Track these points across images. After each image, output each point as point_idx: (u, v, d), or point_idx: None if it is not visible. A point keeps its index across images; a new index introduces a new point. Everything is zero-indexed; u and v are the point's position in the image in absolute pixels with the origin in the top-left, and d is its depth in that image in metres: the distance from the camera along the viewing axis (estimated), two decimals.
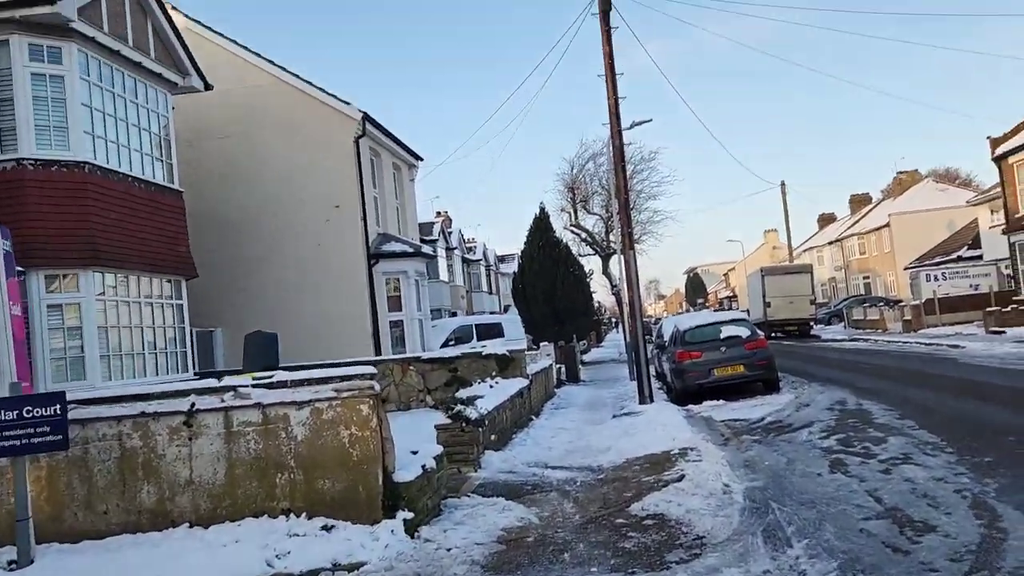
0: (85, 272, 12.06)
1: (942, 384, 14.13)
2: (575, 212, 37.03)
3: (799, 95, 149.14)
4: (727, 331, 16.24)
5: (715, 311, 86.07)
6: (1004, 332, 25.39)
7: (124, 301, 13.04)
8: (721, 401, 15.29)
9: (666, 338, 20.12)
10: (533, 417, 15.27)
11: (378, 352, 17.89)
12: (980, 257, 40.07)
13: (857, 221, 67.42)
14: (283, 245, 18.22)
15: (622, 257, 28.91)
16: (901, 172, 64.21)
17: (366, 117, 18.26)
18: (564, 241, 34.94)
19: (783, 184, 47.89)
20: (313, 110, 18.20)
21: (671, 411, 13.96)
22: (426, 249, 20.43)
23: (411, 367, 16.00)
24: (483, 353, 16.10)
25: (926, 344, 25.42)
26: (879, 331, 37.50)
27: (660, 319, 26.41)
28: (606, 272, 37.86)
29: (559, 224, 37.12)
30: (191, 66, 15.12)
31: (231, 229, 18.33)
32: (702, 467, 8.62)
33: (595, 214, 37.49)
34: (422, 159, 23.06)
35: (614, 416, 14.62)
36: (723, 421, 12.92)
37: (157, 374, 13.35)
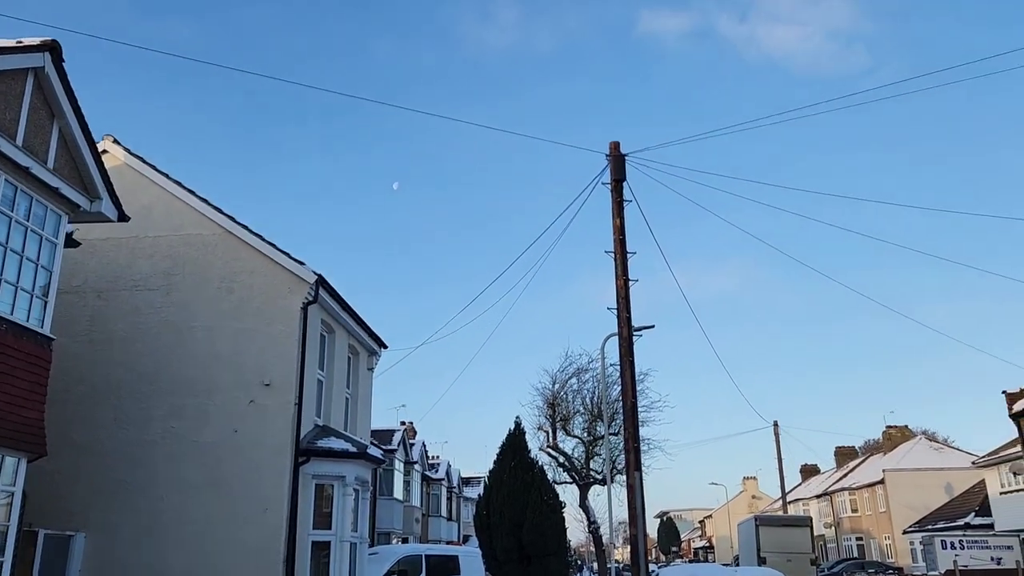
0: None
1: None
2: (554, 432, 33.16)
3: (789, 335, 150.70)
4: None
5: (689, 562, 79.37)
6: None
7: None
8: None
9: None
10: None
11: None
12: (991, 525, 36.18)
13: (845, 475, 63.63)
14: (189, 428, 14.23)
15: (607, 486, 24.90)
16: (891, 427, 61.56)
17: (321, 281, 15.11)
18: (539, 463, 30.76)
19: (776, 424, 44.58)
20: (258, 267, 15.07)
21: None
22: (375, 452, 16.41)
23: None
24: None
25: None
26: None
27: (657, 569, 21.83)
28: (583, 504, 33.27)
29: (535, 444, 33.12)
30: (104, 189, 12.11)
31: (125, 402, 14.44)
32: None
33: (576, 436, 33.64)
34: (386, 346, 19.69)
35: None
36: None
37: None
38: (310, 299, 14.95)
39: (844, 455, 70.05)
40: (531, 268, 55.47)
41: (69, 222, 11.84)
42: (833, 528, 60.71)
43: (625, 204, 13.55)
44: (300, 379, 14.53)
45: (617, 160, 13.66)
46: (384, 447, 31.67)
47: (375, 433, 30.88)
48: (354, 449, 15.23)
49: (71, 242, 12.49)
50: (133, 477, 14.00)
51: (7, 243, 10.41)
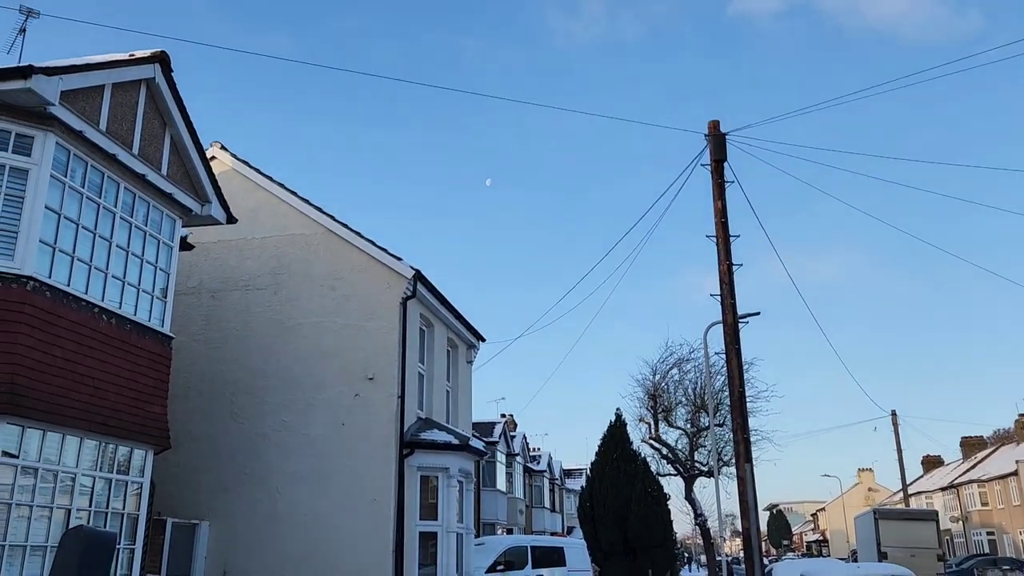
0: None
1: None
2: (656, 424, 32.56)
3: (905, 322, 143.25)
4: None
5: (802, 556, 76.71)
6: None
7: (51, 470, 9.55)
8: None
9: None
10: None
11: (399, 572, 13.61)
12: None
13: (973, 466, 59.93)
14: (299, 422, 14.72)
15: (713, 478, 24.31)
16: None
17: (418, 276, 15.32)
18: (642, 455, 30.32)
19: (894, 414, 42.39)
20: (358, 265, 15.41)
21: None
22: (477, 444, 16.53)
23: None
24: None
25: None
26: None
27: (770, 564, 21.14)
28: (689, 497, 32.57)
29: (636, 436, 32.66)
30: (213, 193, 12.64)
31: (240, 397, 15.06)
32: None
33: (678, 428, 32.92)
34: (484, 339, 19.82)
35: None
36: None
37: None
38: (408, 294, 15.17)
39: (971, 446, 65.91)
40: (630, 254, 54.62)
41: (183, 226, 12.42)
42: (961, 522, 57.33)
43: (727, 185, 13.10)
44: (402, 373, 14.77)
45: (717, 140, 13.21)
46: (486, 439, 31.95)
47: (476, 426, 31.17)
48: (456, 441, 15.38)
49: (185, 245, 13.11)
50: (250, 469, 14.59)
51: (128, 247, 11.00)
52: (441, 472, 15.19)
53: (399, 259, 15.29)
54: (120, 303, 10.77)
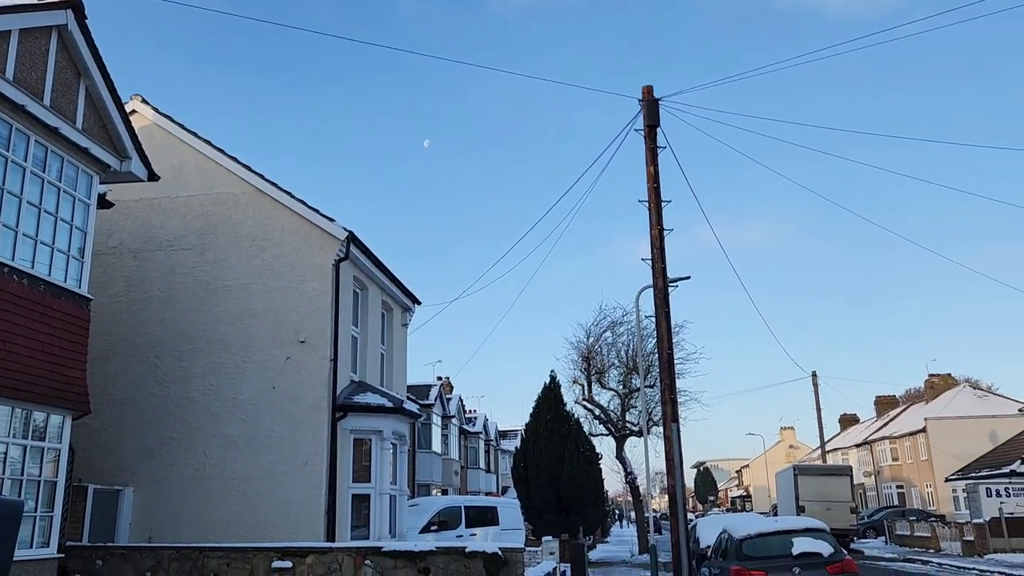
0: None
1: None
2: (589, 385, 33.21)
3: (826, 286, 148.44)
4: (801, 545, 11.93)
5: (726, 511, 79.64)
6: None
7: None
8: None
9: (704, 544, 15.72)
10: None
11: (330, 535, 13.57)
12: None
13: (886, 424, 62.99)
14: (228, 385, 14.43)
15: (643, 438, 24.95)
16: (933, 375, 60.49)
17: (352, 238, 15.06)
18: (575, 416, 30.86)
19: (814, 374, 44.06)
20: (288, 226, 15.06)
21: None
22: (411, 407, 16.50)
23: (367, 561, 11.70)
24: (467, 550, 11.84)
25: None
26: (931, 551, 32.35)
27: (695, 520, 21.85)
28: (620, 456, 33.43)
29: (570, 397, 33.21)
30: (133, 148, 12.09)
31: (166, 361, 14.65)
32: None
33: (611, 389, 33.67)
34: (419, 302, 19.70)
35: None
36: None
37: None
38: (341, 256, 14.92)
39: (884, 404, 69.19)
40: (564, 218, 54.99)
41: (101, 183, 11.89)
42: (873, 477, 60.35)
43: (659, 151, 13.20)
44: (335, 336, 14.58)
45: (651, 105, 13.28)
46: (421, 402, 31.98)
47: (411, 389, 31.16)
48: (390, 404, 15.32)
49: (104, 203, 12.57)
50: (176, 433, 14.27)
51: (41, 204, 10.48)
52: (375, 435, 15.14)
53: (331, 220, 14.99)
54: (32, 263, 10.28)
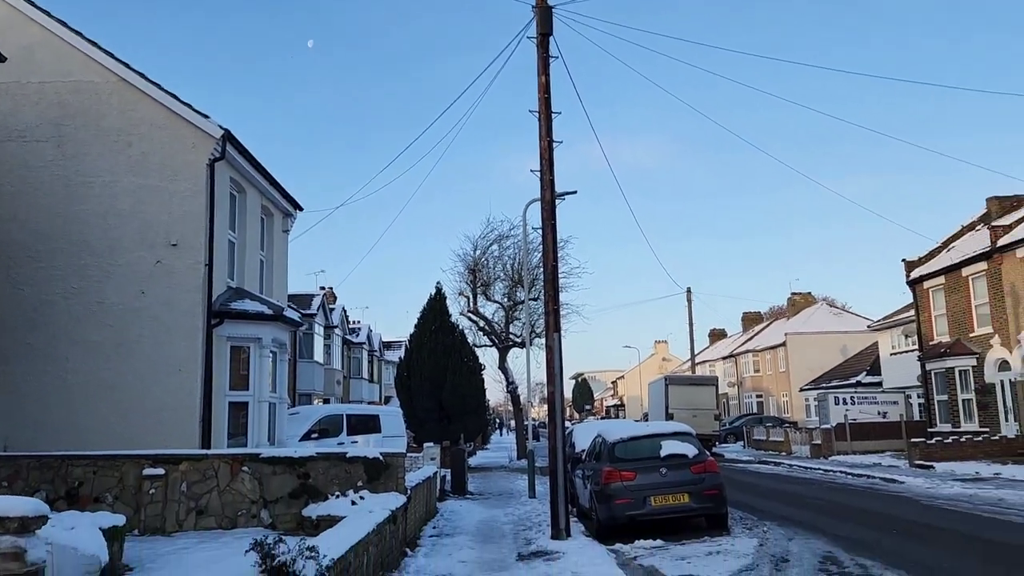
0: None
1: (943, 540, 10.89)
2: (474, 297, 33.49)
3: (704, 207, 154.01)
4: (669, 447, 12.70)
5: (601, 419, 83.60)
6: (932, 467, 23.10)
7: None
8: (659, 541, 11.59)
9: (579, 449, 16.45)
10: (408, 552, 11.02)
11: (206, 442, 13.27)
12: (880, 384, 39.03)
13: (750, 338, 67.11)
14: (92, 289, 13.58)
15: (525, 349, 25.55)
16: (795, 293, 64.65)
17: (228, 137, 14.21)
18: (460, 327, 31.18)
19: (688, 291, 46.12)
20: (158, 120, 14.02)
21: (602, 559, 10.07)
22: (292, 314, 16.13)
23: (244, 468, 11.55)
24: (348, 455, 11.87)
25: (853, 475, 22.84)
26: (783, 453, 35.22)
27: (571, 426, 22.73)
28: (502, 366, 34.20)
29: (455, 309, 33.44)
30: None
31: (20, 262, 13.60)
32: None
33: (496, 302, 34.10)
34: (301, 208, 19.00)
35: (521, 557, 10.58)
36: None
37: None
38: (216, 155, 14.11)
39: (750, 320, 73.60)
40: (453, 127, 54.11)
41: None
42: (736, 387, 64.58)
43: (551, 61, 13.00)
44: (209, 240, 13.91)
45: (544, 12, 12.98)
46: (303, 311, 31.40)
47: (294, 298, 30.49)
48: (269, 311, 14.92)
49: None
50: (34, 339, 13.39)
51: None
52: (253, 343, 14.75)
53: (206, 117, 14.08)
54: None
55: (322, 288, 42.90)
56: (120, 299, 13.52)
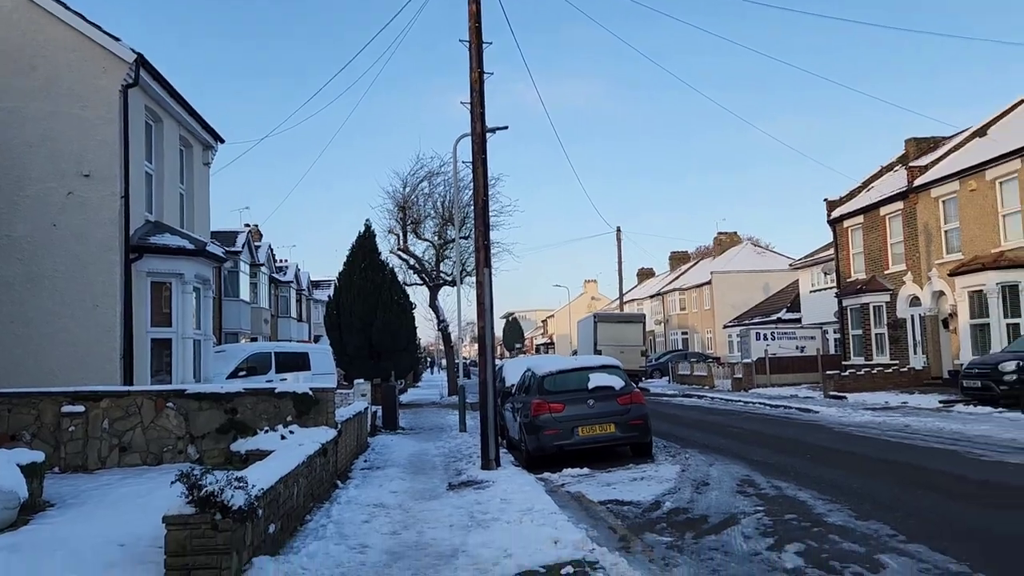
0: None
1: (852, 463, 11.53)
2: (404, 235, 33.17)
3: (635, 148, 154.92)
4: (596, 380, 12.98)
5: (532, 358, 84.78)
6: (845, 397, 24.31)
7: None
8: (586, 469, 11.94)
9: (509, 383, 16.67)
10: (339, 484, 11.07)
11: (128, 379, 12.94)
12: (799, 320, 40.56)
13: (677, 277, 68.61)
14: (1, 222, 12.89)
15: (457, 287, 25.59)
16: (721, 233, 66.09)
17: (141, 61, 13.49)
18: (390, 265, 30.89)
19: (618, 230, 46.65)
20: (65, 42, 13.18)
21: (531, 486, 10.31)
22: (215, 249, 15.67)
23: (168, 404, 11.33)
24: (277, 391, 11.76)
25: (771, 406, 23.82)
26: (707, 387, 36.46)
27: (501, 361, 23.01)
28: (433, 304, 34.17)
29: (385, 247, 33.08)
30: None
31: None
32: None
33: (426, 240, 33.85)
34: (222, 140, 18.30)
35: (451, 487, 10.76)
36: (603, 503, 9.46)
37: None
38: (129, 81, 13.40)
39: (677, 259, 75.14)
40: (381, 55, 52.56)
41: None
42: (663, 324, 66.19)
43: None
44: (124, 170, 13.32)
45: None
46: (228, 249, 30.57)
47: (218, 235, 29.60)
48: (191, 246, 14.48)
49: None
50: None
51: None
52: (175, 278, 14.32)
53: (117, 40, 13.31)
54: None
55: (247, 225, 41.82)
56: (30, 232, 12.90)
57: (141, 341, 13.51)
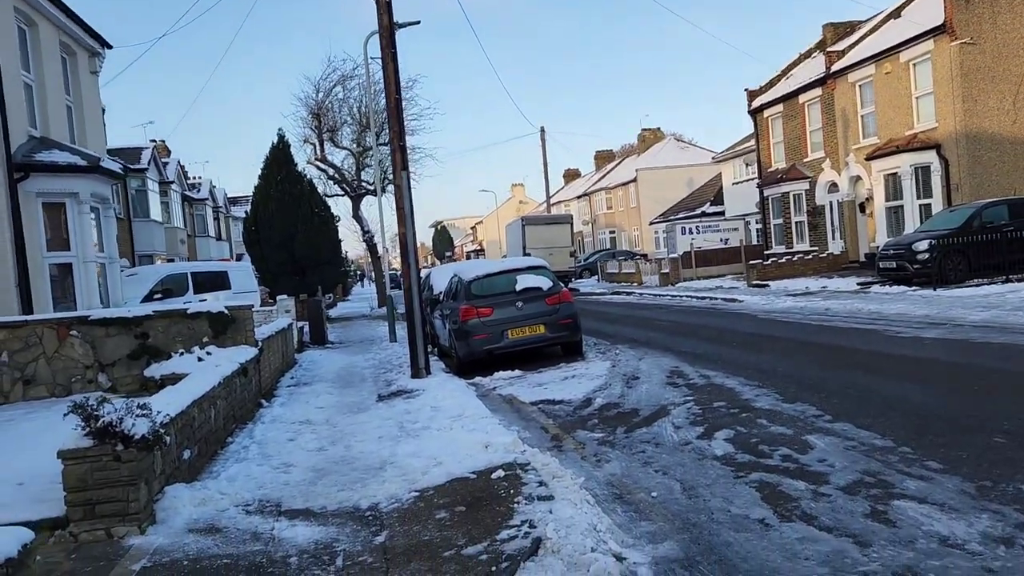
0: None
1: (776, 348, 11.73)
2: (321, 145, 31.78)
3: (557, 48, 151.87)
4: (524, 282, 12.76)
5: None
6: (768, 285, 24.91)
7: None
8: (517, 371, 11.86)
9: (437, 291, 16.37)
10: (263, 403, 10.72)
11: (26, 308, 12.12)
12: (723, 213, 41.16)
13: (603, 176, 68.57)
14: None
15: (378, 197, 24.73)
16: (645, 130, 65.95)
17: None
18: (308, 177, 29.72)
19: (543, 130, 45.95)
20: None
21: (461, 391, 10.16)
22: (112, 165, 14.57)
23: (72, 332, 10.63)
24: (190, 311, 11.15)
25: (698, 298, 24.23)
26: (635, 284, 36.95)
27: (428, 269, 22.62)
28: (356, 215, 33.21)
29: (302, 158, 31.73)
30: None
31: None
32: (558, 513, 4.87)
33: (345, 148, 32.53)
34: (110, 46, 16.81)
35: (381, 398, 10.54)
36: (534, 404, 9.39)
37: None
38: None
39: (603, 158, 74.90)
40: None
41: None
42: (591, 224, 66.53)
43: None
44: None
45: None
46: (132, 167, 28.85)
47: (119, 152, 27.84)
48: (84, 163, 13.41)
49: None
50: None
51: None
52: (69, 198, 13.32)
53: None
54: None
55: (152, 141, 39.44)
56: None
57: (37, 267, 12.62)
